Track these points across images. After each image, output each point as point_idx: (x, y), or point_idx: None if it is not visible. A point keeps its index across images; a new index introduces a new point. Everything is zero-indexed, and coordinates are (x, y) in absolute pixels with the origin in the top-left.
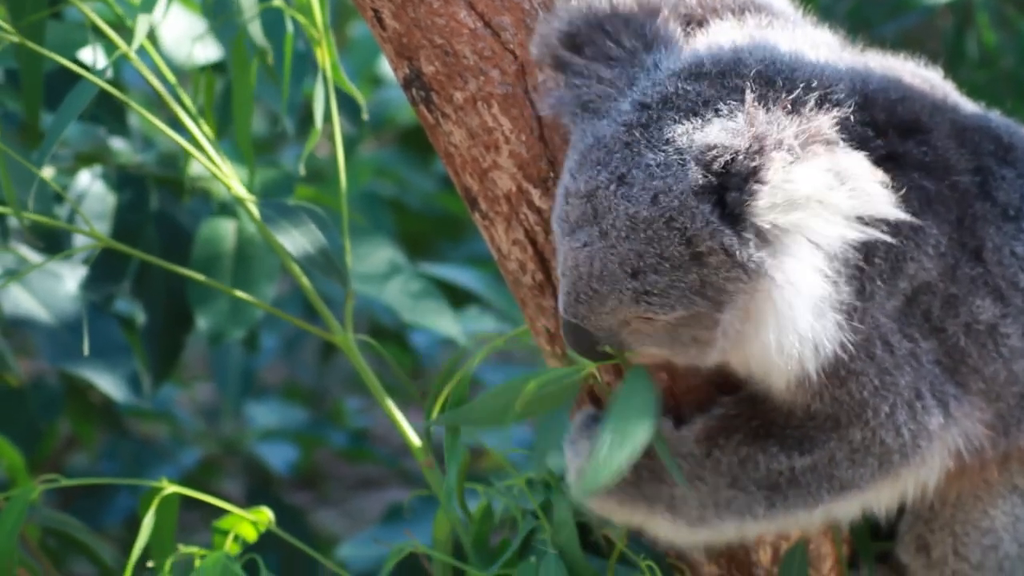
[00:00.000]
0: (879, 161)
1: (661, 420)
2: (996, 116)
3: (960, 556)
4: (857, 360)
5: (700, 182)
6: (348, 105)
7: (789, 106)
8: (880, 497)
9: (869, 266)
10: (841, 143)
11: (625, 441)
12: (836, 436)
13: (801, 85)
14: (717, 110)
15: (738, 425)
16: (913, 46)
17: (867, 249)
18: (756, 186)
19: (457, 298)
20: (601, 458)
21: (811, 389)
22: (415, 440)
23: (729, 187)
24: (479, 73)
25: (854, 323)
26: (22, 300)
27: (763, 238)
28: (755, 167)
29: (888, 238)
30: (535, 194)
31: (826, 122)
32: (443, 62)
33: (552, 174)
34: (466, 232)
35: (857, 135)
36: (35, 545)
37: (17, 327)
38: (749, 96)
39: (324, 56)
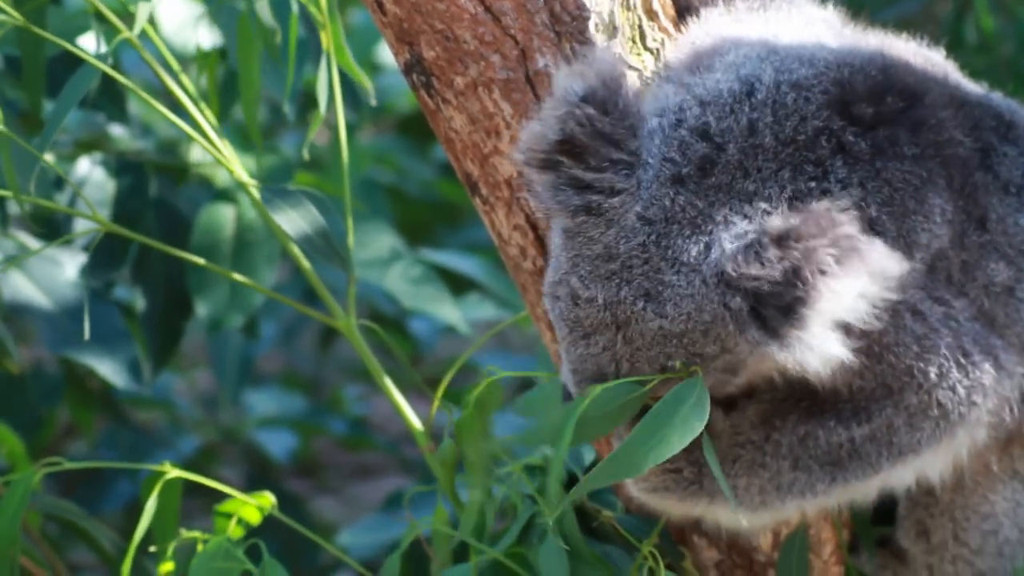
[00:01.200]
0: (867, 158)
1: (713, 413)
2: (997, 95)
3: (960, 541)
4: (888, 335)
5: (734, 305)
6: (348, 91)
7: (797, 202)
8: (936, 461)
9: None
10: (858, 233)
11: (673, 433)
12: (891, 403)
13: (776, 154)
14: (715, 221)
15: (790, 407)
16: (912, 32)
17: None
18: (803, 311)
19: (457, 285)
20: (640, 446)
21: (850, 372)
22: (417, 425)
23: (768, 307)
24: (480, 58)
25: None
26: (22, 286)
27: (802, 338)
28: (798, 296)
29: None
30: None
31: (847, 223)
32: (444, 47)
33: None
34: (464, 219)
35: (837, 144)
36: (36, 532)
37: (17, 314)
38: (774, 220)
39: (329, 39)
